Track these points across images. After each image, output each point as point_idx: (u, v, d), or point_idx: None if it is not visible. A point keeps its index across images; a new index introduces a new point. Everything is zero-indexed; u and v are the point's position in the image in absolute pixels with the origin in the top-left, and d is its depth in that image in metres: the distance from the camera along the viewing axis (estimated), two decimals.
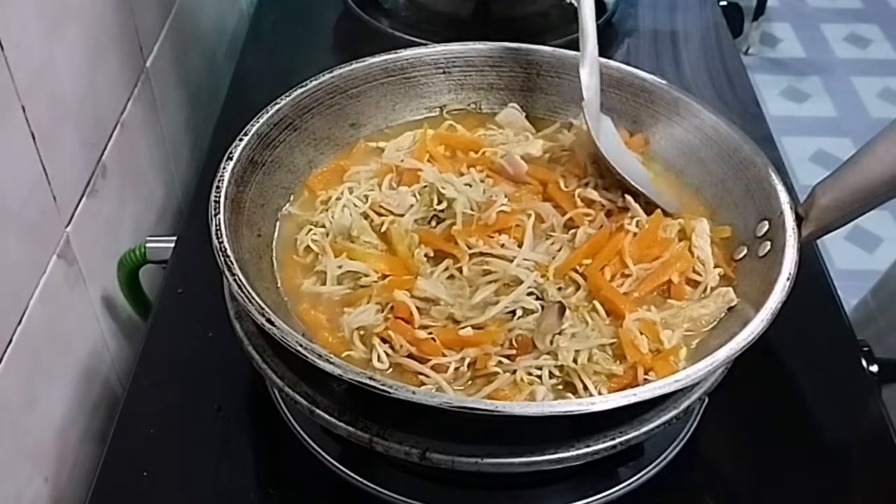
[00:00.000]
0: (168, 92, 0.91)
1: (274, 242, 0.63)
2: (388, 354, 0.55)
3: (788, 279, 0.54)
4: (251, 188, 0.62)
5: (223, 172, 0.59)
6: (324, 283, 0.60)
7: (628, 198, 0.65)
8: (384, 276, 0.59)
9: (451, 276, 0.60)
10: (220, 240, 0.54)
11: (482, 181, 0.66)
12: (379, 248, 0.62)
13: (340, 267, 0.60)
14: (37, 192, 0.62)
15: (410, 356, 0.55)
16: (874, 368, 0.68)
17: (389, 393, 0.47)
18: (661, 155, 0.70)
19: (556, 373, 0.55)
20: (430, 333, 0.55)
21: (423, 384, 0.54)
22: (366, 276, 0.59)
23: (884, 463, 0.62)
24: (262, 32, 1.05)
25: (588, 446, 0.50)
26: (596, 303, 0.58)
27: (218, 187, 0.58)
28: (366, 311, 0.57)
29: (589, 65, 0.66)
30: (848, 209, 0.57)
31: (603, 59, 0.72)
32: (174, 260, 0.75)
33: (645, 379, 0.54)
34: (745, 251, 0.61)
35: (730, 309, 0.58)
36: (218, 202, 0.57)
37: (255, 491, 0.61)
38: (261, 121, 0.64)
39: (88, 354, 0.71)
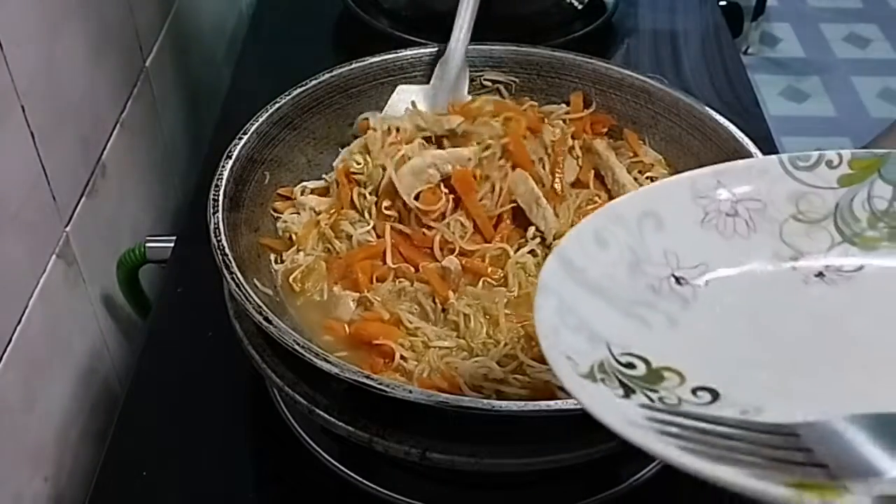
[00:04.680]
0: (168, 91, 0.91)
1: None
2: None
3: None
4: (250, 187, 0.62)
5: (222, 171, 0.59)
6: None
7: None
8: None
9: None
10: (219, 238, 0.54)
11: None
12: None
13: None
14: (36, 192, 0.62)
15: None
16: None
17: (386, 392, 0.47)
18: (660, 155, 0.70)
19: None
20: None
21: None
22: None
23: None
24: (261, 32, 1.05)
25: (588, 446, 0.50)
26: None
27: (217, 186, 0.58)
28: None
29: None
30: None
31: (602, 61, 0.72)
32: (174, 259, 0.75)
33: None
34: None
35: None
36: (217, 200, 0.57)
37: (255, 491, 0.61)
38: (260, 119, 0.64)
39: (88, 354, 0.71)
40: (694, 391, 0.35)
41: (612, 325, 0.37)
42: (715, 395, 0.34)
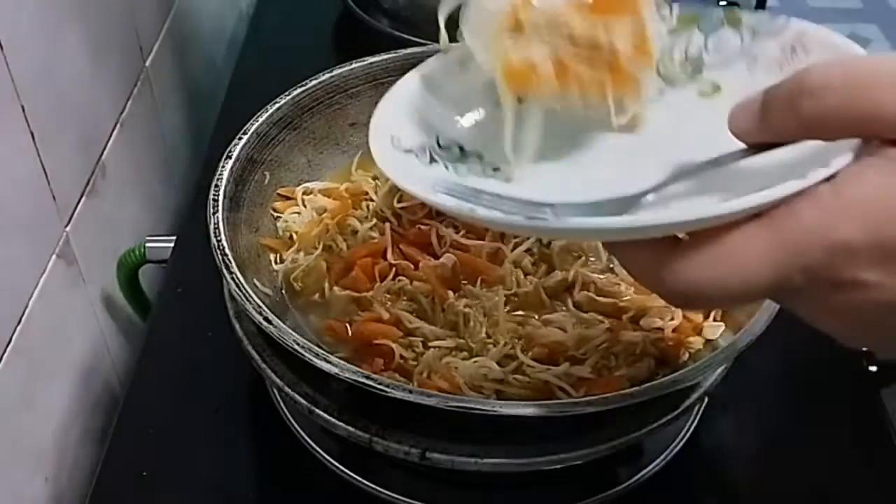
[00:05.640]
0: (168, 92, 0.91)
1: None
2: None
3: None
4: (250, 187, 0.62)
5: (222, 171, 0.59)
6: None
7: None
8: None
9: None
10: (219, 238, 0.54)
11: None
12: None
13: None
14: (36, 192, 0.62)
15: None
16: (874, 368, 0.68)
17: (386, 392, 0.47)
18: None
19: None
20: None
21: None
22: None
23: (884, 463, 0.62)
24: (261, 32, 1.05)
25: (588, 446, 0.50)
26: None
27: (217, 186, 0.58)
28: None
29: None
30: None
31: None
32: (174, 259, 0.75)
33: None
34: None
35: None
36: (217, 201, 0.57)
37: (255, 491, 0.61)
38: (260, 120, 0.64)
39: (88, 354, 0.71)
40: (483, 168, 0.44)
41: (449, 124, 0.46)
42: (496, 170, 0.44)
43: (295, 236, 0.63)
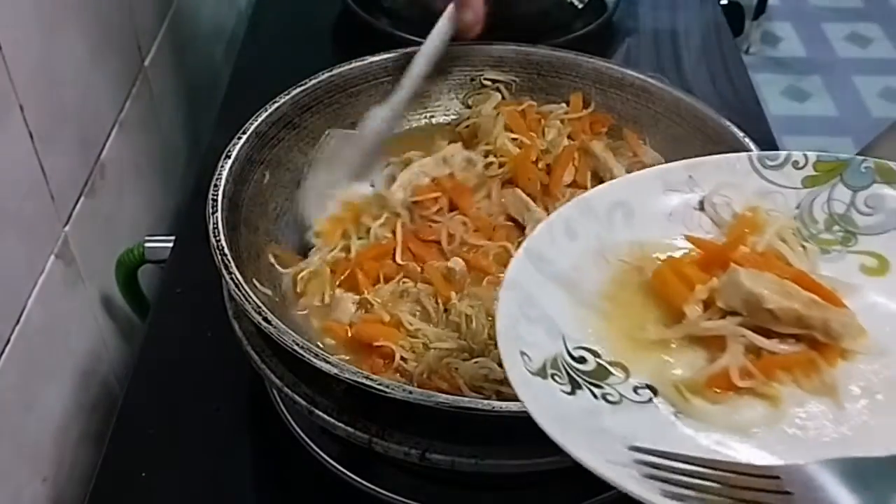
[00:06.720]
0: (166, 91, 0.91)
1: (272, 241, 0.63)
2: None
3: None
4: (249, 186, 0.62)
5: (221, 171, 0.59)
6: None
7: None
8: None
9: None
10: (218, 238, 0.54)
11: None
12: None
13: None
14: (35, 192, 0.62)
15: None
16: None
17: (386, 392, 0.46)
18: (660, 156, 0.69)
19: None
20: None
21: None
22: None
23: None
24: (260, 31, 1.05)
25: None
26: None
27: (216, 186, 0.58)
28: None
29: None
30: None
31: (602, 60, 0.72)
32: (172, 259, 0.75)
33: None
34: None
35: None
36: (216, 200, 0.57)
37: (254, 491, 0.61)
38: (259, 119, 0.63)
39: (87, 354, 0.71)
40: (635, 389, 0.36)
41: (571, 317, 0.38)
42: (655, 392, 0.36)
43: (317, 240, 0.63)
